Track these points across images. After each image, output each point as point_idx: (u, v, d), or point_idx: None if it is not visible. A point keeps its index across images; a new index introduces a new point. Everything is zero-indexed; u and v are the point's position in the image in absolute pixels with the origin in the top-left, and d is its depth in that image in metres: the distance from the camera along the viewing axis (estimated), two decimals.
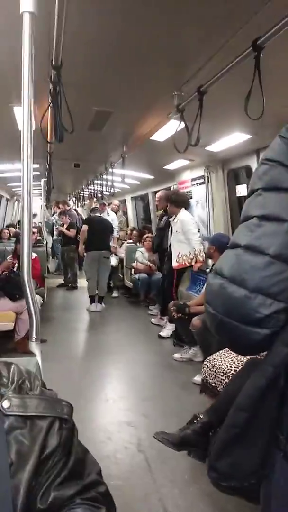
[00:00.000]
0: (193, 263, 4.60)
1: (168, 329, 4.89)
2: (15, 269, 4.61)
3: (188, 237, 4.57)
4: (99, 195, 8.54)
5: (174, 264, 4.71)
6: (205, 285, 4.35)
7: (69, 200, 13.43)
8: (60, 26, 1.68)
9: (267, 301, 0.73)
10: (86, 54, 2.37)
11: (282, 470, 0.84)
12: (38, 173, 6.86)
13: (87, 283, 6.43)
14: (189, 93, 2.68)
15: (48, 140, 3.14)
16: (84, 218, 9.94)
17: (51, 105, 2.38)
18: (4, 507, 0.63)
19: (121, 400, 3.33)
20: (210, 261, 4.52)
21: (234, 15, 1.86)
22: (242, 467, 0.91)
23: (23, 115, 1.34)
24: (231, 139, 3.71)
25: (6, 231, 7.83)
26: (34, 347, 1.35)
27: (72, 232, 7.93)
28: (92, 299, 6.35)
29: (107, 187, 6.80)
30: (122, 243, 7.68)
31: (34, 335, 1.36)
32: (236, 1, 1.77)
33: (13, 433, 0.69)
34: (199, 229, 4.95)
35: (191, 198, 5.28)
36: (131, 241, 7.42)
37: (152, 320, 5.61)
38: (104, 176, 6.51)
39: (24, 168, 1.33)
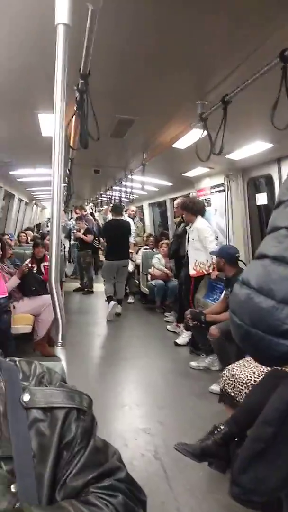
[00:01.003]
0: (210, 270, 4.58)
1: (184, 337, 4.86)
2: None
3: (205, 245, 4.56)
4: (118, 201, 8.60)
5: (192, 272, 4.70)
6: (222, 293, 4.35)
7: (87, 205, 13.55)
8: (91, 37, 1.71)
9: None
10: (111, 63, 2.41)
11: None
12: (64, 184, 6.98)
13: (104, 286, 6.31)
14: (213, 102, 2.69)
15: (72, 146, 3.18)
16: (100, 223, 10.02)
17: (77, 112, 2.42)
18: (31, 501, 0.64)
19: (137, 407, 3.33)
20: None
21: (261, 25, 1.87)
22: (266, 483, 0.91)
23: (55, 125, 1.37)
24: (252, 148, 3.70)
25: (23, 234, 7.94)
26: (59, 351, 1.36)
27: (89, 237, 8.00)
28: (109, 299, 6.12)
29: (125, 193, 6.85)
30: (139, 249, 7.70)
31: (60, 340, 1.38)
32: (264, 12, 1.78)
33: (34, 425, 0.70)
34: (217, 237, 4.93)
35: (209, 205, 5.27)
36: (147, 247, 7.43)
37: (168, 327, 5.59)
38: (123, 183, 6.56)
39: (55, 174, 1.36)
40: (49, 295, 1.38)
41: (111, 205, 7.99)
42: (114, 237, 6.13)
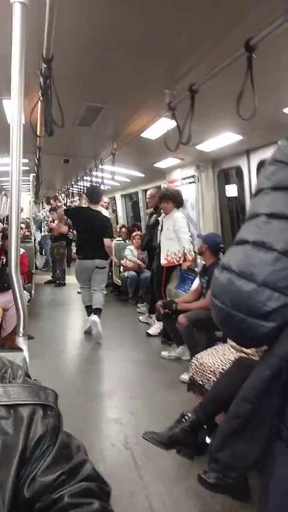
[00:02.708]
0: (181, 261, 4.61)
1: (156, 327, 4.89)
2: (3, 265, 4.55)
3: (178, 235, 4.59)
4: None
5: (163, 261, 4.71)
6: (193, 284, 4.39)
7: (59, 196, 13.35)
8: (52, 18, 1.65)
9: (274, 295, 0.76)
10: (77, 48, 2.34)
11: (283, 461, 0.87)
12: (27, 168, 6.79)
13: (81, 294, 5.17)
14: (181, 91, 2.67)
15: (38, 134, 3.10)
16: None
17: (41, 98, 2.35)
18: None
19: (108, 398, 3.32)
20: (199, 260, 4.54)
21: (228, 15, 1.86)
22: (243, 458, 0.94)
23: (13, 109, 1.32)
24: (222, 139, 3.72)
25: None
26: (21, 342, 1.33)
27: (64, 229, 7.89)
28: (88, 310, 4.96)
29: (96, 184, 6.76)
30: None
31: (21, 330, 1.35)
32: (230, 2, 1.77)
33: None
34: (189, 228, 4.96)
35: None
36: (120, 238, 7.40)
37: (141, 318, 5.61)
38: (94, 173, 6.47)
39: (13, 162, 1.31)
40: None
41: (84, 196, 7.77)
42: (89, 229, 4.78)
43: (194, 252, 4.59)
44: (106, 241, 4.77)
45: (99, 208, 5.16)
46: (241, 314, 0.79)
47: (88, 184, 8.02)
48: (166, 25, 2.03)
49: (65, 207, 9.88)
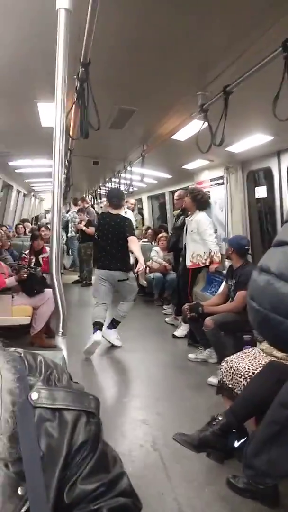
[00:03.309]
0: (207, 263, 4.59)
1: (182, 329, 4.88)
2: (32, 265, 4.66)
3: (204, 237, 4.57)
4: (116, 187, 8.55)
5: (188, 263, 4.70)
6: (221, 286, 4.34)
7: (86, 197, 13.51)
8: (92, 24, 1.68)
9: None
10: (111, 52, 2.38)
11: None
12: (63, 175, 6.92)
13: (94, 309, 4.46)
14: (213, 93, 2.67)
15: (72, 136, 3.15)
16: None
17: (76, 101, 2.39)
18: (39, 502, 0.63)
19: (135, 399, 3.34)
20: (226, 262, 4.50)
21: (263, 15, 1.85)
22: (280, 465, 0.91)
23: (56, 112, 1.36)
24: (252, 140, 3.68)
25: (21, 226, 7.92)
26: (60, 341, 1.37)
27: (91, 230, 7.99)
28: (96, 326, 4.18)
29: (125, 186, 6.81)
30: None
31: (60, 329, 1.38)
32: (266, 1, 1.76)
33: (43, 425, 0.69)
34: (216, 230, 4.93)
35: (209, 198, 5.26)
36: (146, 240, 7.42)
37: (167, 319, 5.60)
38: (123, 175, 6.52)
39: (56, 165, 1.35)
40: (49, 289, 1.39)
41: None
42: (106, 236, 4.34)
43: (221, 254, 4.56)
44: (130, 239, 4.26)
45: (122, 212, 4.75)
46: (280, 317, 0.76)
47: (114, 186, 8.07)
48: (199, 26, 2.03)
49: (92, 208, 9.99)
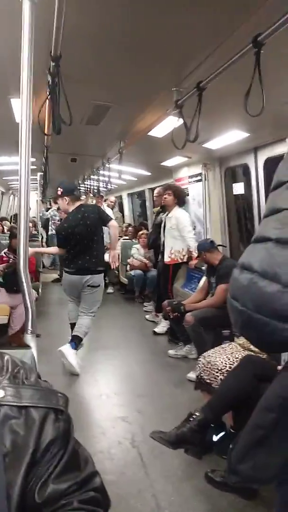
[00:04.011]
0: (185, 259, 4.61)
1: (163, 326, 4.89)
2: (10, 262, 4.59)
3: (182, 234, 4.58)
4: (95, 191, 8.49)
5: (167, 259, 4.70)
6: (200, 282, 4.37)
7: None
8: (60, 17, 1.65)
9: None
10: (85, 47, 2.35)
11: None
12: (34, 167, 6.82)
13: (68, 307, 4.17)
14: (189, 89, 2.67)
15: (46, 132, 3.10)
16: None
17: (49, 97, 2.35)
18: None
19: (115, 396, 3.33)
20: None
21: (235, 11, 1.85)
22: (265, 470, 0.89)
23: (22, 107, 1.32)
24: (229, 137, 3.71)
25: None
26: (29, 339, 1.34)
27: None
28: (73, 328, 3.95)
29: (103, 183, 6.76)
30: (118, 239, 7.65)
31: (29, 328, 1.36)
32: None
33: (7, 423, 0.68)
34: (195, 226, 4.96)
35: (187, 195, 5.28)
36: (126, 237, 7.40)
37: (147, 316, 5.61)
38: (101, 172, 6.48)
39: (22, 161, 1.32)
40: None
41: (91, 195, 7.33)
42: (73, 233, 3.68)
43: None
44: (112, 222, 3.85)
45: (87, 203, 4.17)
46: (265, 318, 0.73)
47: (95, 183, 8.00)
48: (173, 23, 2.02)
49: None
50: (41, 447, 0.68)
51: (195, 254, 4.51)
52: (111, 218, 3.94)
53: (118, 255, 4.05)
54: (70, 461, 0.71)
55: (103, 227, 3.85)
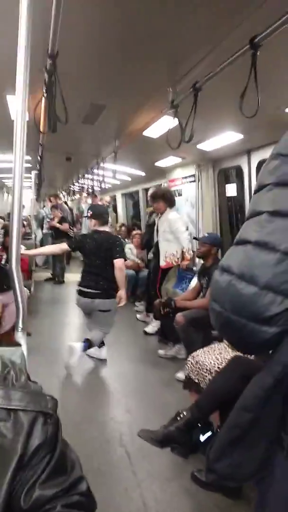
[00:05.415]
0: (179, 262, 4.62)
1: (153, 325, 4.90)
2: (2, 262, 4.56)
3: (177, 235, 4.58)
4: (90, 190, 8.49)
5: (162, 263, 4.71)
6: (191, 282, 4.38)
7: (60, 193, 13.34)
8: (58, 14, 1.66)
9: (277, 299, 0.71)
10: (82, 46, 2.35)
11: (283, 475, 0.82)
12: (29, 165, 6.79)
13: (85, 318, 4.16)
14: (184, 89, 2.68)
15: (41, 130, 3.10)
16: (74, 212, 9.82)
17: (45, 95, 2.35)
18: None
19: (104, 395, 3.32)
20: (197, 260, 4.54)
21: (232, 12, 1.86)
22: (242, 469, 0.89)
23: (17, 104, 1.32)
24: (223, 138, 3.73)
25: None
26: (20, 337, 1.33)
27: (64, 226, 7.90)
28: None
29: (98, 182, 6.76)
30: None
31: (20, 325, 1.35)
32: None
33: None
34: (187, 227, 4.98)
35: (180, 195, 5.30)
36: (119, 237, 7.39)
37: (138, 316, 5.62)
38: (96, 171, 6.47)
39: (17, 159, 1.31)
40: None
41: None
42: (93, 254, 3.77)
43: (193, 251, 4.59)
44: (117, 262, 3.71)
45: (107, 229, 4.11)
46: (242, 319, 0.74)
47: (89, 182, 7.99)
48: (170, 22, 2.03)
49: (65, 204, 9.86)
50: (28, 451, 0.68)
51: (188, 256, 4.52)
52: (119, 257, 3.76)
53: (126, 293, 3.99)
54: (57, 465, 0.71)
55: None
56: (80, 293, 3.81)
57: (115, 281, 3.73)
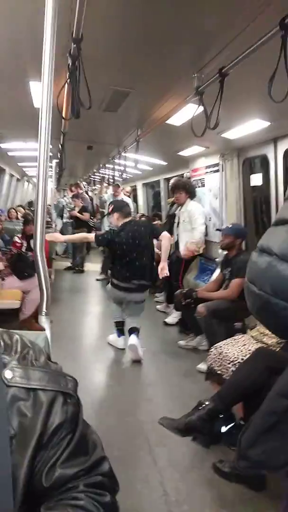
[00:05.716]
0: (201, 251, 4.61)
1: (174, 316, 4.89)
2: (23, 250, 4.63)
3: (193, 226, 4.61)
4: (111, 180, 8.47)
5: (183, 252, 4.70)
6: (213, 274, 4.34)
7: (80, 183, 13.39)
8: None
9: None
10: (107, 30, 2.31)
11: None
12: (50, 154, 6.80)
13: (112, 307, 4.18)
14: (210, 75, 2.61)
15: (64, 117, 3.08)
16: (95, 203, 9.83)
17: (68, 80, 2.33)
18: (4, 482, 0.62)
19: (124, 383, 3.34)
20: (220, 251, 4.47)
21: None
22: (277, 456, 0.88)
23: (43, 91, 1.30)
24: (248, 126, 3.63)
25: (13, 210, 7.87)
26: (43, 321, 1.34)
27: (85, 216, 7.94)
28: (118, 327, 4.11)
29: (119, 172, 6.72)
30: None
31: (44, 309, 1.36)
32: None
33: (15, 404, 0.67)
34: (210, 218, 4.93)
35: (203, 186, 5.22)
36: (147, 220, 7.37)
37: (158, 307, 5.61)
38: (117, 160, 6.44)
39: (41, 146, 1.30)
40: None
41: (105, 184, 7.28)
42: (125, 251, 3.71)
43: (214, 241, 4.57)
44: (164, 235, 3.84)
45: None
46: (283, 302, 0.70)
47: (110, 172, 7.96)
48: (195, 6, 1.97)
49: (86, 194, 9.88)
50: (48, 430, 0.68)
51: (191, 247, 4.53)
52: (162, 231, 3.95)
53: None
54: (78, 445, 0.70)
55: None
56: (115, 286, 3.85)
57: (149, 273, 3.78)
